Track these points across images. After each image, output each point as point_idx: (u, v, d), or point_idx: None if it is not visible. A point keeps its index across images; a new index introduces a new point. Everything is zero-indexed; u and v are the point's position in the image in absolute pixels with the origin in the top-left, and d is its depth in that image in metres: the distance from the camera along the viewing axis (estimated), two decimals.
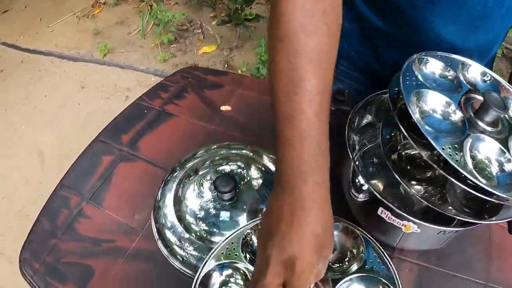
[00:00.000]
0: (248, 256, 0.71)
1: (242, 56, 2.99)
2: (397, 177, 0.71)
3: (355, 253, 0.71)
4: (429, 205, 0.69)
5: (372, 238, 0.72)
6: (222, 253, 0.70)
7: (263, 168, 0.92)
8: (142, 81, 2.90)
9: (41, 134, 2.68)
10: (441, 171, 0.62)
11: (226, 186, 0.79)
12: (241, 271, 0.69)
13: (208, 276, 0.68)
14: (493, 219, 0.70)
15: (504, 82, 0.77)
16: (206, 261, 0.69)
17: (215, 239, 0.81)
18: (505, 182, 0.62)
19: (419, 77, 0.71)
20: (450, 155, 0.60)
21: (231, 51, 3.03)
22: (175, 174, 0.93)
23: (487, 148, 0.65)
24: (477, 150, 0.64)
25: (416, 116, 0.64)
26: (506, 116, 0.71)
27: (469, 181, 0.60)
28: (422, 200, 0.70)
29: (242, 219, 0.83)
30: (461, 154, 0.61)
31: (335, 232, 0.75)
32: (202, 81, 1.27)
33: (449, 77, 0.75)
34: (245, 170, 0.91)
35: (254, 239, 0.73)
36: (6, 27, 3.57)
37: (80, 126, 2.64)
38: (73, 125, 2.67)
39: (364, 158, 0.88)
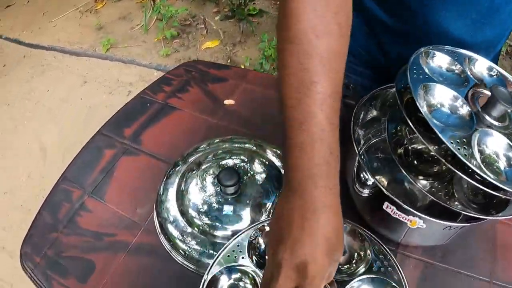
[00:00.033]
0: (255, 258, 0.70)
1: (245, 51, 2.97)
2: (403, 171, 0.70)
3: (362, 255, 0.70)
4: (436, 200, 0.68)
5: (379, 241, 0.72)
6: (228, 256, 0.69)
7: (267, 162, 0.91)
8: (145, 76, 2.89)
9: (43, 128, 2.67)
10: (449, 166, 0.61)
11: (230, 179, 0.78)
12: (250, 275, 0.68)
13: (214, 279, 0.67)
14: (500, 215, 0.69)
15: (511, 78, 0.77)
16: (213, 264, 0.68)
17: (218, 233, 0.81)
18: None
19: (426, 70, 0.71)
20: (459, 149, 0.59)
21: (234, 47, 3.02)
22: (178, 168, 0.93)
23: (495, 143, 0.64)
24: (485, 145, 0.63)
25: (423, 109, 0.63)
26: None
27: (477, 176, 0.59)
28: (428, 195, 0.70)
29: (246, 213, 0.82)
30: (469, 148, 0.60)
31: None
32: (206, 75, 1.26)
33: (456, 71, 0.74)
34: (248, 164, 0.90)
35: (261, 241, 0.72)
36: (8, 22, 3.58)
37: (82, 120, 2.64)
38: (75, 119, 2.66)
39: (368, 153, 0.88)
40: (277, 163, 0.91)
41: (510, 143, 0.64)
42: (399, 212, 0.72)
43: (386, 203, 0.73)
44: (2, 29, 3.52)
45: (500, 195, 0.61)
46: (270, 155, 0.93)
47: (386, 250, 0.70)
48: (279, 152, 0.94)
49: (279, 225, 0.56)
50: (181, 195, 0.87)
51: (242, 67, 2.78)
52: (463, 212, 0.70)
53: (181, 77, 1.26)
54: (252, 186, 0.86)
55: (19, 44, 3.36)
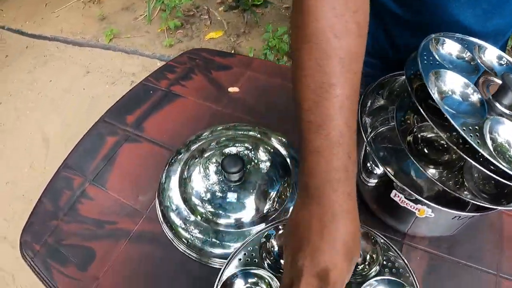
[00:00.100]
0: (268, 262, 0.68)
1: (249, 42, 2.96)
2: (413, 160, 0.69)
3: (374, 257, 0.69)
4: (446, 188, 0.67)
5: (390, 243, 0.70)
6: (240, 259, 0.67)
7: (271, 150, 0.89)
8: (148, 66, 2.88)
9: (46, 119, 2.67)
10: (461, 153, 0.59)
11: (234, 166, 0.76)
12: (266, 280, 0.66)
13: (228, 284, 0.66)
14: (511, 205, 0.68)
15: None
16: (225, 268, 0.66)
17: (221, 221, 0.79)
18: None
19: (436, 57, 0.69)
20: (471, 136, 0.57)
21: (238, 37, 3.01)
22: (180, 155, 0.91)
23: (507, 131, 0.62)
24: (497, 133, 0.62)
25: (435, 95, 0.61)
26: None
27: (489, 165, 0.57)
28: (438, 183, 0.68)
29: (250, 201, 0.81)
30: (481, 136, 0.58)
31: None
32: (210, 62, 1.25)
33: (466, 59, 0.73)
34: (253, 152, 0.88)
35: (274, 242, 0.70)
36: (11, 12, 3.57)
37: (85, 111, 2.63)
38: (78, 110, 2.66)
39: (375, 142, 0.87)
40: (282, 151, 0.89)
41: None
42: (407, 201, 0.71)
43: (394, 192, 0.72)
44: (5, 19, 3.52)
45: None
46: (275, 142, 0.91)
47: (397, 252, 0.68)
48: (284, 140, 0.92)
49: (297, 232, 0.55)
50: (183, 183, 0.85)
51: None
52: (473, 201, 0.69)
53: (185, 64, 1.24)
54: (256, 173, 0.84)
55: (22, 35, 3.36)
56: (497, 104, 0.64)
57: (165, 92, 1.16)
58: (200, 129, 0.98)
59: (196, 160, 0.88)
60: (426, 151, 0.77)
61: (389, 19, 0.91)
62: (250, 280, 0.66)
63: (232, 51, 2.88)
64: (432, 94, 0.61)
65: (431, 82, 0.64)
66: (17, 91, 2.88)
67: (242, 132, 0.94)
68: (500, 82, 0.65)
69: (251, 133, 0.94)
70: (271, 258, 0.68)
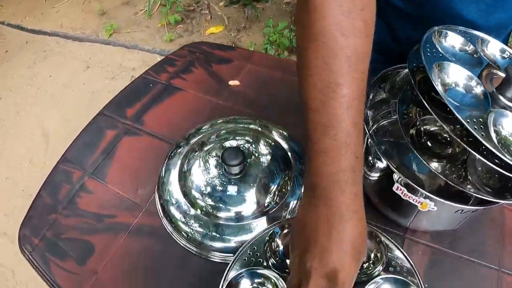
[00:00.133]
0: (272, 261, 0.67)
1: (249, 37, 2.95)
2: (416, 153, 0.68)
3: (378, 256, 0.68)
4: (449, 182, 0.66)
5: (394, 242, 0.70)
6: (245, 259, 0.67)
7: (272, 143, 0.88)
8: (148, 61, 2.87)
9: (46, 114, 2.66)
10: (466, 146, 0.59)
11: (235, 159, 0.76)
12: (272, 280, 0.66)
13: (233, 284, 0.65)
14: None
15: None
16: (230, 267, 0.66)
17: (222, 214, 0.79)
18: None
19: (440, 49, 0.69)
20: (475, 128, 0.56)
21: (239, 32, 3.00)
22: (180, 149, 0.90)
23: (511, 125, 0.61)
24: (501, 126, 0.61)
25: (439, 87, 0.61)
26: None
27: (494, 157, 0.57)
28: (441, 177, 0.67)
29: (250, 194, 0.80)
30: (485, 129, 0.58)
31: None
32: (210, 55, 1.24)
33: (469, 52, 0.73)
34: (253, 145, 0.87)
35: (279, 241, 0.70)
36: (11, 8, 3.57)
37: (85, 106, 2.62)
38: (78, 105, 2.65)
39: (376, 136, 0.86)
40: (283, 144, 0.89)
41: None
42: (410, 194, 0.70)
43: (396, 185, 0.71)
44: (5, 15, 3.52)
45: None
46: (275, 136, 0.90)
47: (402, 251, 0.68)
48: (285, 133, 0.91)
49: (304, 232, 0.55)
50: (183, 176, 0.85)
51: None
52: (477, 195, 0.68)
53: (185, 58, 1.23)
54: (256, 167, 0.83)
55: (22, 30, 3.35)
56: (501, 97, 0.63)
57: (165, 85, 1.15)
58: (200, 122, 0.97)
59: (196, 153, 0.87)
60: (429, 144, 0.76)
61: (390, 12, 0.90)
62: (255, 280, 0.66)
63: (233, 46, 2.87)
64: (436, 86, 0.60)
65: (434, 74, 0.63)
66: (17, 87, 2.87)
67: (243, 125, 0.93)
68: (503, 75, 0.64)
69: (251, 126, 0.93)
70: (276, 258, 0.68)
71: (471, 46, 0.73)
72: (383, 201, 0.80)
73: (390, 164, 0.69)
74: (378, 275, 0.66)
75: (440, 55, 0.68)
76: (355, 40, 0.54)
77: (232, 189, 0.80)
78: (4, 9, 3.57)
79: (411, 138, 0.77)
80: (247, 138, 0.89)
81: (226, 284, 0.64)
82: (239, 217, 0.78)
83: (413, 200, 0.71)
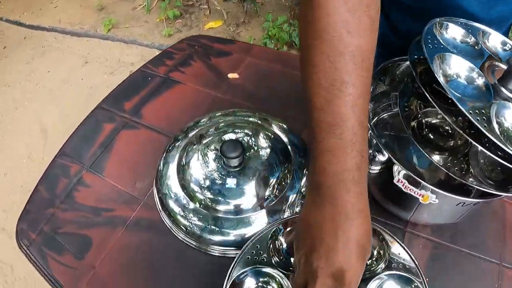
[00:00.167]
0: (276, 259, 0.67)
1: (248, 32, 2.94)
2: (417, 146, 0.68)
3: (381, 253, 0.68)
4: (452, 175, 0.66)
5: (397, 239, 0.69)
6: (248, 257, 0.66)
7: (272, 136, 0.87)
8: (147, 56, 2.86)
9: (44, 109, 2.65)
10: (468, 138, 0.58)
11: (234, 151, 0.75)
12: (276, 279, 0.65)
13: (236, 283, 0.64)
14: None
15: None
16: (233, 266, 0.65)
17: (221, 207, 0.78)
18: None
19: (441, 41, 0.68)
20: (478, 119, 0.56)
21: (238, 27, 2.99)
22: (178, 142, 0.89)
23: None
24: (503, 117, 0.61)
25: (440, 79, 0.60)
26: None
27: (496, 149, 0.56)
28: (443, 169, 0.67)
29: (249, 187, 0.79)
30: (488, 120, 0.57)
31: None
32: (209, 49, 1.23)
33: (470, 43, 0.72)
34: (252, 138, 0.86)
35: (282, 239, 0.69)
36: (9, 3, 3.56)
37: (83, 101, 2.62)
38: (76, 100, 2.65)
39: (377, 128, 0.85)
40: (283, 137, 0.88)
41: None
42: (411, 187, 0.70)
43: (397, 177, 0.71)
44: (3, 11, 3.51)
45: None
46: (275, 129, 0.90)
47: (403, 247, 0.68)
48: (284, 126, 0.90)
49: (309, 232, 0.54)
50: (182, 170, 0.84)
51: None
52: (479, 188, 0.67)
53: (184, 51, 1.23)
54: (256, 160, 0.83)
55: (20, 26, 3.34)
56: (503, 89, 0.63)
57: (163, 78, 1.14)
58: (198, 115, 0.96)
59: (195, 146, 0.86)
60: (431, 137, 0.76)
61: (391, 5, 0.90)
62: (259, 279, 0.65)
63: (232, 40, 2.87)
64: (438, 78, 0.59)
65: (436, 66, 0.62)
66: (15, 82, 2.86)
67: (242, 118, 0.92)
68: (505, 67, 0.64)
69: (251, 119, 0.92)
70: (280, 256, 0.67)
71: (472, 38, 0.72)
72: (384, 194, 0.80)
73: (392, 157, 0.69)
74: (381, 272, 0.65)
75: (442, 46, 0.67)
76: (360, 38, 0.53)
77: (231, 182, 0.79)
78: (2, 4, 3.55)
79: (412, 131, 0.76)
80: (246, 131, 0.88)
81: (230, 283, 0.63)
82: (238, 210, 0.78)
83: (414, 192, 0.70)
